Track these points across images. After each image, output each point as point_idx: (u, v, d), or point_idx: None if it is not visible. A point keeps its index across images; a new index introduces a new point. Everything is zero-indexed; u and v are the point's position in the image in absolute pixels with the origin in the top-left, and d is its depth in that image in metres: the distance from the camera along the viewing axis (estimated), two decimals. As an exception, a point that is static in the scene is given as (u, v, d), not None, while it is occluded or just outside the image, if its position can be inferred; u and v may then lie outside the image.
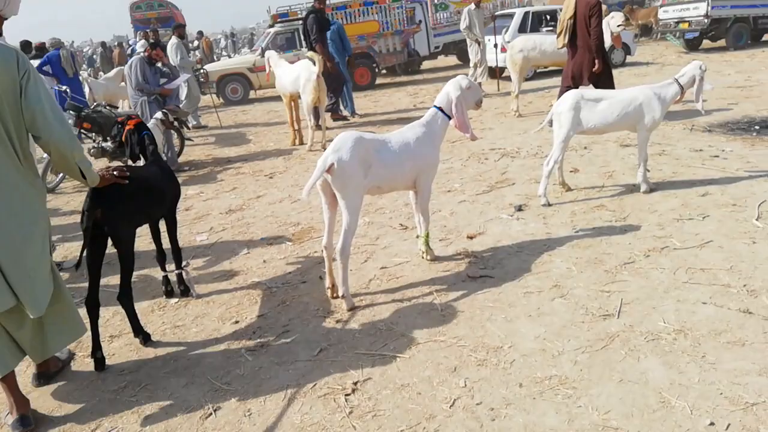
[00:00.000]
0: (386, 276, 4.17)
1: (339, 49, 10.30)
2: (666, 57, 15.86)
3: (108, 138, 7.93)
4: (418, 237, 4.37)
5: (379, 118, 10.68)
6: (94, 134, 7.98)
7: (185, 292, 4.20)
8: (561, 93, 7.80)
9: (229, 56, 26.39)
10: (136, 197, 3.49)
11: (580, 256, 4.13)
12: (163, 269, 4.18)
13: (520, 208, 5.20)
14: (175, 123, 8.48)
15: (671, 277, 3.72)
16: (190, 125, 10.32)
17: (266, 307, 3.90)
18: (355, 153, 3.59)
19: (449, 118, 4.10)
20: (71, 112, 7.70)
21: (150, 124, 7.55)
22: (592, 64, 7.43)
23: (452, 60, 19.29)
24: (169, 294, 4.21)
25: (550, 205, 5.19)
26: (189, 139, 9.25)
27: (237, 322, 3.73)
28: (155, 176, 3.86)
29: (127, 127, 3.96)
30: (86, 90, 11.81)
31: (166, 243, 4.10)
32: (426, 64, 18.49)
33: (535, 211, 5.13)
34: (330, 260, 3.87)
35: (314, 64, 8.11)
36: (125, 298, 3.45)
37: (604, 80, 7.51)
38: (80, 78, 11.49)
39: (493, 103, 10.78)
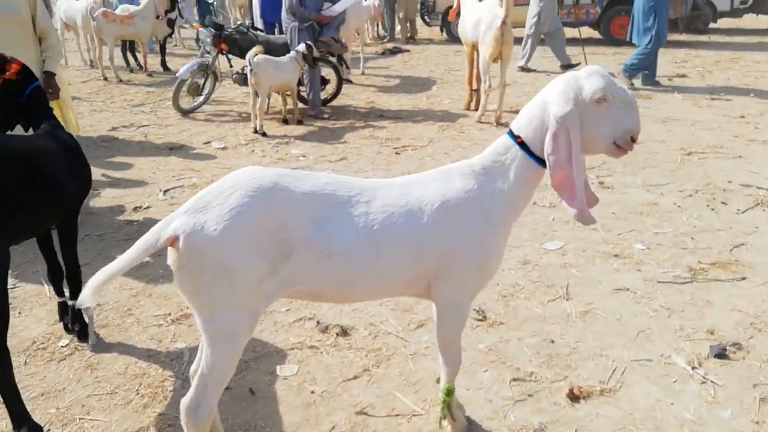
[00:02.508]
0: (345, 445, 2.12)
1: None
2: None
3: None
4: (438, 382, 2.18)
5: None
6: (233, 57, 6.92)
7: (81, 333, 2.72)
8: None
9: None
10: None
11: None
12: (59, 293, 2.74)
13: (722, 354, 2.53)
14: (330, 57, 7.03)
15: None
16: (348, 63, 8.66)
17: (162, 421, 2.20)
18: (241, 223, 1.57)
19: (541, 163, 1.75)
20: (210, 28, 6.65)
21: (287, 56, 6.15)
22: None
23: (764, 21, 14.10)
24: (68, 328, 2.77)
25: (797, 366, 2.43)
26: (347, 81, 7.70)
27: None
28: (46, 157, 2.33)
29: (5, 76, 2.44)
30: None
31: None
32: (722, 23, 13.74)
33: (755, 370, 2.43)
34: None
35: (501, 4, 5.70)
36: None
37: None
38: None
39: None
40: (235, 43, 6.67)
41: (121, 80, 8.93)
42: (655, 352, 2.56)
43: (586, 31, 13.11)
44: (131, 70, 9.92)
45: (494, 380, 2.41)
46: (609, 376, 2.42)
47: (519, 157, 1.79)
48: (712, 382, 2.37)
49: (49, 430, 2.20)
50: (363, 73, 9.33)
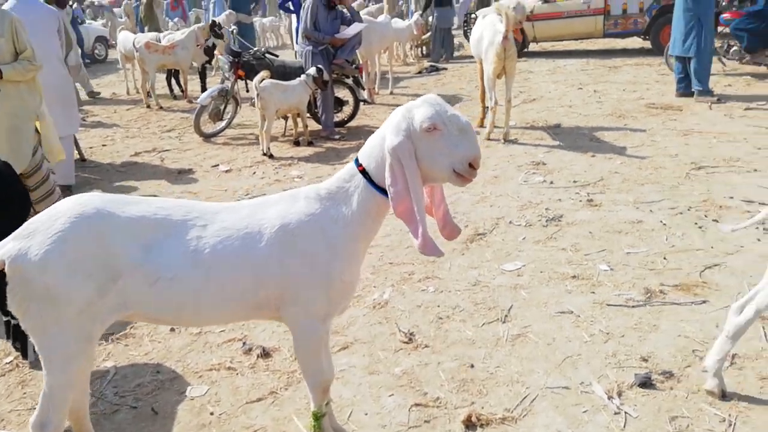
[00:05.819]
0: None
1: None
2: None
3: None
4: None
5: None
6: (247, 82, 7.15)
7: (22, 350, 2.86)
8: None
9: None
10: None
11: None
12: (3, 313, 2.89)
13: (647, 383, 2.34)
14: (346, 79, 7.13)
15: None
16: (365, 84, 8.62)
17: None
18: (63, 247, 1.62)
19: (383, 193, 1.72)
20: (228, 56, 6.93)
21: (296, 80, 6.30)
22: None
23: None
24: (15, 346, 2.93)
25: (724, 396, 2.22)
26: (366, 101, 7.77)
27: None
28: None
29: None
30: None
31: None
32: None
33: (679, 402, 2.23)
34: None
35: (501, 20, 5.60)
36: None
37: None
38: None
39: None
40: (252, 69, 6.89)
41: (161, 107, 9.41)
42: (575, 380, 2.41)
43: (636, 42, 12.66)
44: (174, 97, 10.45)
45: (396, 405, 2.35)
46: (517, 404, 2.30)
47: (362, 185, 1.78)
48: (625, 413, 2.20)
49: (-36, 440, 2.33)
50: (391, 93, 9.39)
